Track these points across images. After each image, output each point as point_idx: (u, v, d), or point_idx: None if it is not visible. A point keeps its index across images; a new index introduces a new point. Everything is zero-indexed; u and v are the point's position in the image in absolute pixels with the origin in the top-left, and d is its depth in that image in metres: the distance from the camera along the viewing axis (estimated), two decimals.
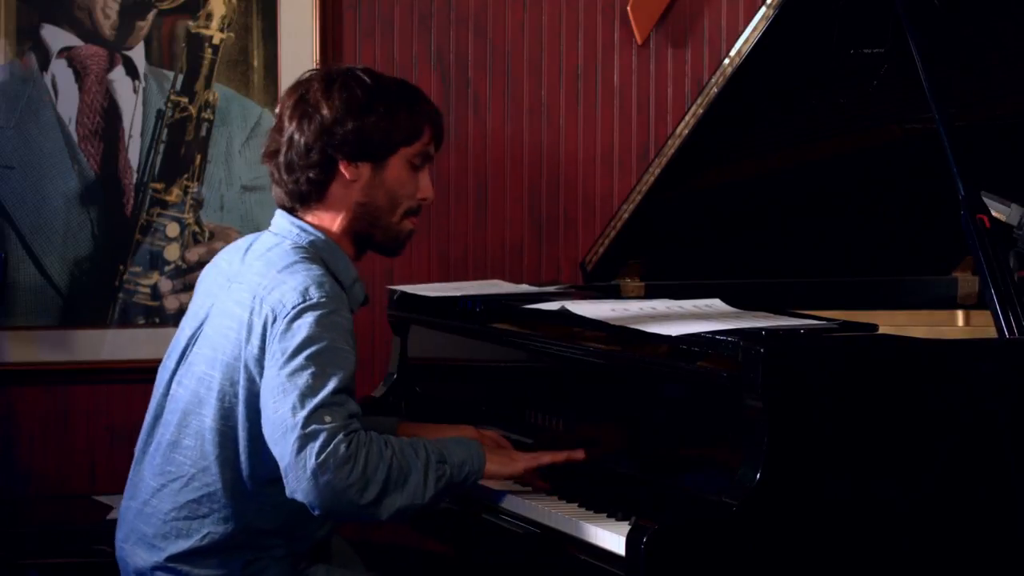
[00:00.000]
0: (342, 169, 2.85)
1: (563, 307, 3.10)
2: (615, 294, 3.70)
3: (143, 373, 4.30)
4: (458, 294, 3.46)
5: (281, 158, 2.86)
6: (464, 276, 4.43)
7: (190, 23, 4.31)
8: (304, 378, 2.65)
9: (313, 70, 2.96)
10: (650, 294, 3.67)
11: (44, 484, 4.30)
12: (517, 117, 4.48)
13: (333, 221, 2.88)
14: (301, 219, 2.89)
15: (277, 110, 2.94)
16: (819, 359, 2.61)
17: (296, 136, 2.83)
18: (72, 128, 4.26)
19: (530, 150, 4.49)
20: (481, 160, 4.48)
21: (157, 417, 2.92)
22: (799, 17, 3.25)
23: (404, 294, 3.63)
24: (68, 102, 4.26)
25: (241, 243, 2.97)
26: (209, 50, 4.32)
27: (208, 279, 2.97)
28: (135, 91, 4.29)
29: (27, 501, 4.27)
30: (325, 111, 2.82)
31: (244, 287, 2.82)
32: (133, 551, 2.89)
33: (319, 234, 2.87)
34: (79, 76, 4.27)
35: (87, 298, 4.30)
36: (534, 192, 4.50)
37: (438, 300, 3.47)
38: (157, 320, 4.32)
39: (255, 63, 4.33)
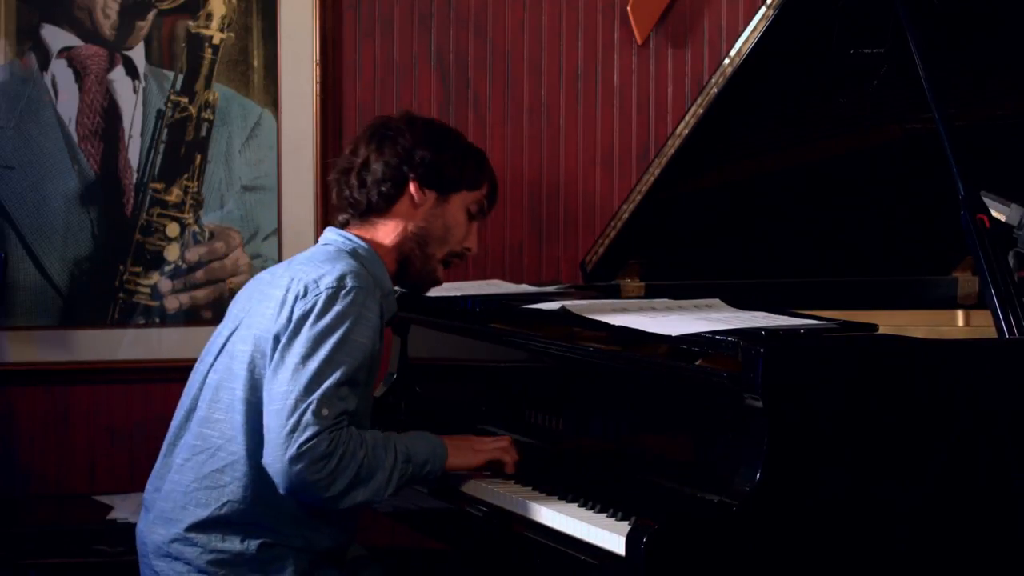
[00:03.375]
0: (412, 190, 3.06)
1: (563, 307, 3.10)
2: (615, 294, 3.70)
3: (143, 373, 4.31)
4: (458, 294, 3.46)
5: (354, 177, 3.07)
6: (464, 276, 4.42)
7: (190, 23, 4.31)
8: (315, 364, 2.82)
9: (389, 115, 3.20)
10: (650, 294, 3.67)
11: (44, 484, 4.31)
12: (517, 117, 4.48)
13: (388, 235, 3.08)
14: (351, 232, 3.07)
15: (351, 142, 3.14)
16: (819, 359, 2.61)
17: (373, 156, 3.07)
18: (72, 128, 4.27)
19: (530, 150, 4.50)
20: None
21: (191, 410, 3.01)
22: (799, 17, 3.25)
23: (404, 294, 3.62)
24: (68, 102, 4.26)
25: (287, 260, 3.15)
26: (209, 50, 4.32)
27: (251, 287, 3.11)
28: (135, 91, 4.30)
29: (27, 501, 4.27)
30: (408, 137, 3.07)
31: (287, 275, 2.98)
32: (152, 530, 2.96)
33: (363, 243, 3.05)
34: (79, 76, 4.27)
35: (87, 298, 4.30)
36: (534, 192, 4.50)
37: (438, 300, 3.47)
38: (157, 320, 4.32)
39: (255, 63, 4.33)
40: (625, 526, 2.60)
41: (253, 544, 2.89)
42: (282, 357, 2.85)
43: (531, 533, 2.82)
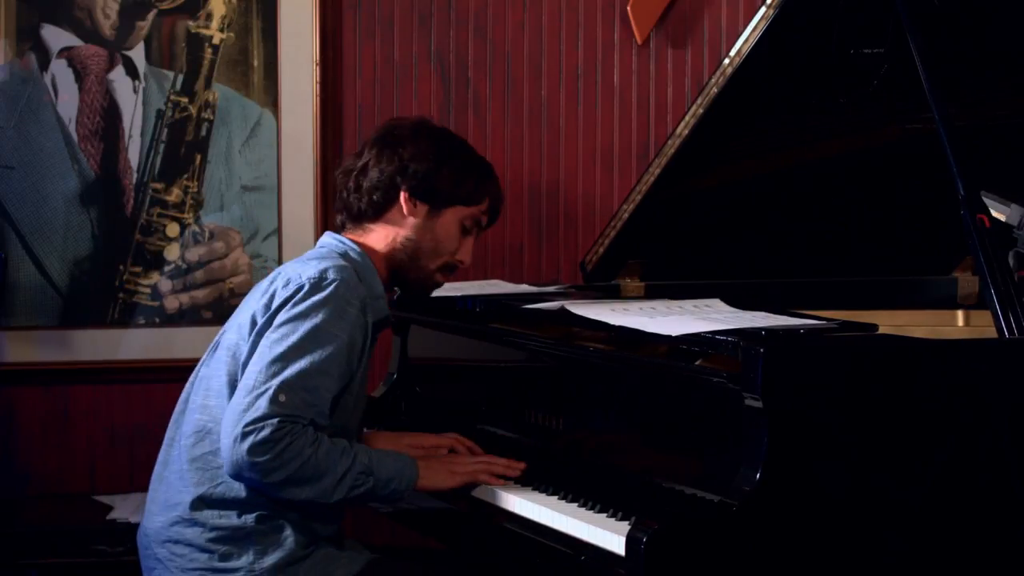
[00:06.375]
0: (402, 200, 3.08)
1: (563, 307, 3.10)
2: (615, 294, 3.70)
3: (143, 373, 4.31)
4: (458, 294, 3.47)
5: (352, 180, 3.11)
6: (464, 276, 4.42)
7: (190, 23, 4.31)
8: (282, 348, 2.86)
9: (407, 117, 3.25)
10: (650, 294, 3.67)
11: (44, 484, 4.31)
12: (517, 117, 4.48)
13: (379, 242, 3.11)
14: (346, 236, 3.11)
15: (362, 143, 3.19)
16: (819, 359, 2.61)
17: (372, 161, 3.10)
18: (72, 128, 4.27)
19: (530, 150, 4.49)
20: None
21: (186, 401, 3.06)
22: (799, 17, 3.25)
23: (402, 294, 3.63)
24: (68, 102, 4.26)
25: None
26: (209, 50, 4.32)
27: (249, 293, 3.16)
28: (135, 91, 4.29)
29: (27, 501, 4.27)
30: (409, 147, 3.08)
31: (277, 272, 3.04)
32: (152, 519, 3.00)
33: (355, 247, 3.08)
34: (79, 76, 4.27)
35: (87, 298, 4.30)
36: (534, 192, 4.50)
37: (438, 300, 3.47)
38: (157, 320, 4.32)
39: (255, 63, 4.33)
40: (625, 526, 2.60)
41: (250, 517, 2.91)
42: (258, 340, 2.90)
43: (531, 533, 2.83)
